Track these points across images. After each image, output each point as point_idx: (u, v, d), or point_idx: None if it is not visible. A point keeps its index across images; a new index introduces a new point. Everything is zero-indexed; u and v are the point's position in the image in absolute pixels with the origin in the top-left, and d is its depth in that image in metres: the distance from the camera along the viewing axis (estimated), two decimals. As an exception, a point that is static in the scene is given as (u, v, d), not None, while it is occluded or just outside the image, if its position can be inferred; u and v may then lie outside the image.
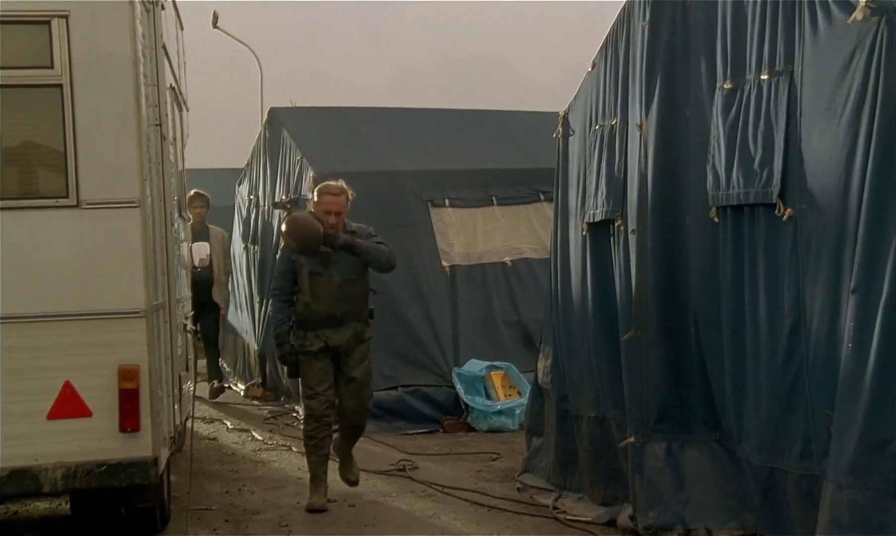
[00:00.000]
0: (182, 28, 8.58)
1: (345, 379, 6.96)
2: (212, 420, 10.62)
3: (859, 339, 4.02)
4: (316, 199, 7.00)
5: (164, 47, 6.30)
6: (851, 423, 4.01)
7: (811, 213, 4.56)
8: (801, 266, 4.64)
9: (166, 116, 6.26)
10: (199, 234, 11.18)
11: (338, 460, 7.15)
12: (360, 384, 7.00)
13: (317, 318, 6.84)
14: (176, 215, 6.91)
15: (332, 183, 7.06)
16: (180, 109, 7.89)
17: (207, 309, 11.64)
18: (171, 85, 6.93)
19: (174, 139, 7.04)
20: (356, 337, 6.94)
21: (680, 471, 5.62)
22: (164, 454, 5.67)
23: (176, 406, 6.17)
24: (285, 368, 7.43)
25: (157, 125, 5.82)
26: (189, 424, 7.19)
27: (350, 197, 7.00)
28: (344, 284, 6.91)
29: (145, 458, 5.32)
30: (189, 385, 7.54)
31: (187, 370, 7.36)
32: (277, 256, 7.18)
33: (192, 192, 11.78)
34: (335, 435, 7.10)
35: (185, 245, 7.92)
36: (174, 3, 7.90)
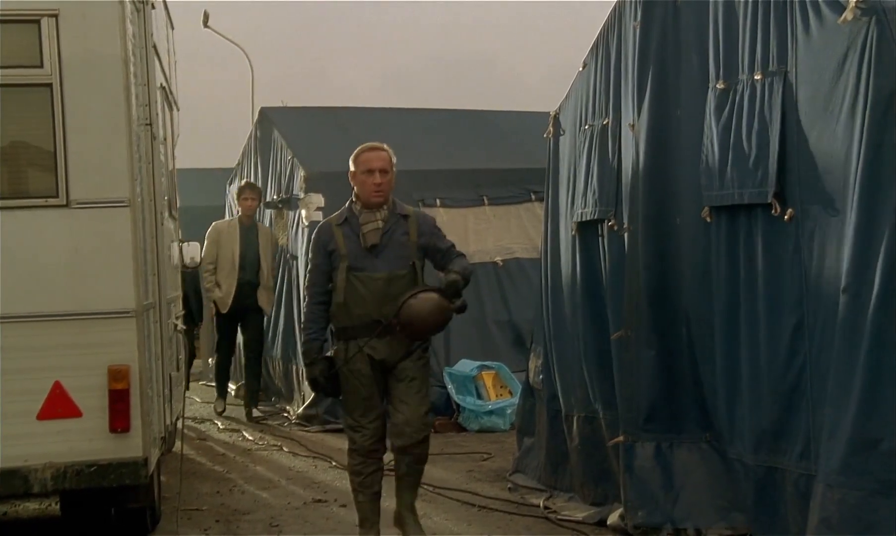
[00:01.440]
0: (172, 27, 8.55)
1: (396, 379, 5.56)
2: (203, 420, 10.61)
3: (850, 338, 4.03)
4: (353, 168, 5.67)
5: (154, 47, 6.28)
6: (842, 422, 4.02)
7: (813, 213, 4.57)
8: (804, 266, 4.64)
9: (156, 115, 6.24)
10: (248, 230, 10.59)
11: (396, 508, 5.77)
12: (418, 384, 5.58)
13: (357, 324, 5.50)
14: (166, 214, 6.89)
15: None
16: (171, 109, 7.86)
17: (250, 317, 10.62)
18: (161, 84, 6.91)
19: (164, 139, 7.01)
20: (409, 352, 5.56)
21: (670, 471, 5.62)
22: (155, 455, 5.65)
23: (166, 406, 6.15)
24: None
25: (147, 125, 5.80)
26: (180, 424, 7.19)
27: (394, 160, 5.73)
28: (391, 280, 5.51)
29: (136, 458, 5.29)
30: (180, 385, 7.52)
31: (178, 369, 7.33)
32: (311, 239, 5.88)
33: (242, 182, 11.27)
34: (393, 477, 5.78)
35: (175, 245, 7.91)
36: (164, 2, 7.88)
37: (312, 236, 5.82)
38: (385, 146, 5.73)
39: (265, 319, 10.94)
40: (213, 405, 10.96)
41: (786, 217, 4.69)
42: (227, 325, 10.83)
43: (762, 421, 4.94)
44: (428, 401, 5.66)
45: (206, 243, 10.50)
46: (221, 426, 10.23)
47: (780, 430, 4.82)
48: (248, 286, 10.46)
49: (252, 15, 46.35)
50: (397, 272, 5.50)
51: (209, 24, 22.98)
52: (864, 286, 3.98)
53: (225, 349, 11.07)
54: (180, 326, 7.56)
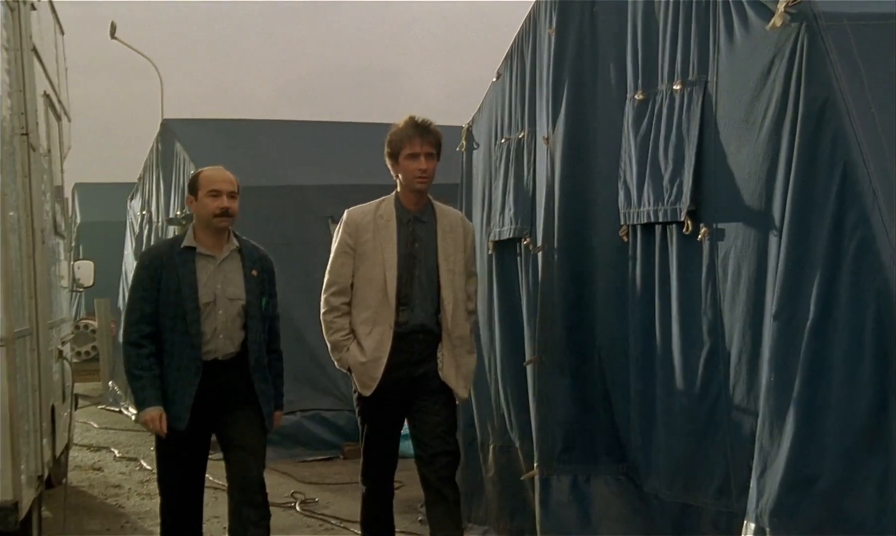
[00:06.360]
0: (62, 32, 8.07)
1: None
2: (98, 448, 10.07)
3: (781, 368, 3.73)
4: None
5: (34, 50, 5.81)
6: (774, 459, 3.71)
7: (729, 232, 4.28)
8: (719, 289, 4.35)
9: (37, 125, 5.77)
10: None
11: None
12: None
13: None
14: (51, 232, 6.40)
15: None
16: (58, 119, 7.38)
17: None
18: (45, 92, 6.43)
19: (48, 151, 6.53)
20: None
21: (586, 505, 5.28)
22: (29, 496, 5.15)
23: (45, 441, 5.65)
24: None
25: (23, 134, 5.32)
26: (71, 455, 6.67)
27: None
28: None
29: (4, 503, 4.79)
30: (66, 415, 7.00)
31: (64, 399, 6.83)
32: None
33: None
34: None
35: (63, 265, 7.40)
36: (52, 5, 7.39)
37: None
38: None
39: None
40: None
41: (699, 237, 4.41)
42: None
43: (676, 455, 4.64)
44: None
45: None
46: (118, 454, 9.69)
47: (695, 464, 4.53)
48: None
49: (163, 28, 45.58)
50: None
51: (117, 35, 22.47)
52: (797, 313, 3.67)
53: None
54: (66, 352, 7.05)
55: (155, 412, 4.84)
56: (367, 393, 5.08)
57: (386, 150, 5.13)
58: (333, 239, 5.23)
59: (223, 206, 4.93)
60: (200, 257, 4.94)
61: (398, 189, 5.18)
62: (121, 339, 12.60)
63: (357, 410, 5.27)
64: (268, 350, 5.13)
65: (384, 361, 5.03)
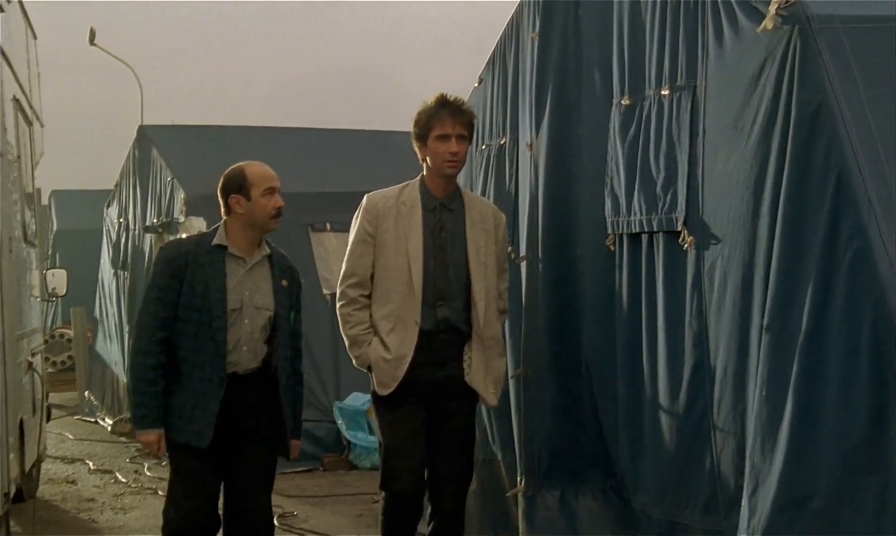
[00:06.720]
0: (35, 36, 7.90)
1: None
2: (73, 461, 9.87)
3: (774, 382, 3.60)
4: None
5: (2, 53, 5.64)
6: (767, 477, 3.58)
7: (715, 241, 4.14)
8: (704, 300, 4.22)
9: (5, 130, 5.60)
10: None
11: None
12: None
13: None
14: (21, 240, 6.23)
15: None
16: (30, 124, 7.21)
17: None
18: (14, 96, 6.27)
19: (18, 157, 6.36)
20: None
21: (574, 520, 5.14)
22: (-5, 514, 4.98)
23: (13, 457, 5.48)
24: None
25: (-11, 140, 5.17)
26: (41, 465, 6.49)
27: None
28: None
29: (-33, 521, 4.63)
30: (36, 429, 6.82)
31: (34, 412, 6.65)
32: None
33: None
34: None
35: (34, 274, 7.23)
36: (23, 8, 7.22)
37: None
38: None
39: None
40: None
41: (685, 246, 4.28)
42: None
43: (664, 470, 4.50)
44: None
45: None
46: (93, 467, 9.50)
47: (682, 480, 4.39)
48: None
49: (143, 33, 45.36)
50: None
51: (96, 41, 22.27)
52: (789, 326, 3.55)
53: None
54: (37, 363, 6.87)
55: (153, 435, 4.43)
56: (385, 393, 4.71)
57: (413, 131, 4.76)
58: (352, 226, 4.85)
59: (280, 205, 4.53)
60: (231, 259, 4.49)
61: (424, 173, 4.81)
62: (94, 348, 12.31)
63: (375, 412, 4.91)
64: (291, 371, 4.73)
65: (408, 360, 4.65)
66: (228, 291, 4.44)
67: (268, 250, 4.62)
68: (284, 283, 4.63)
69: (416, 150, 4.80)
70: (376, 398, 4.82)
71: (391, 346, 4.66)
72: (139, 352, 4.46)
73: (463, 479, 4.88)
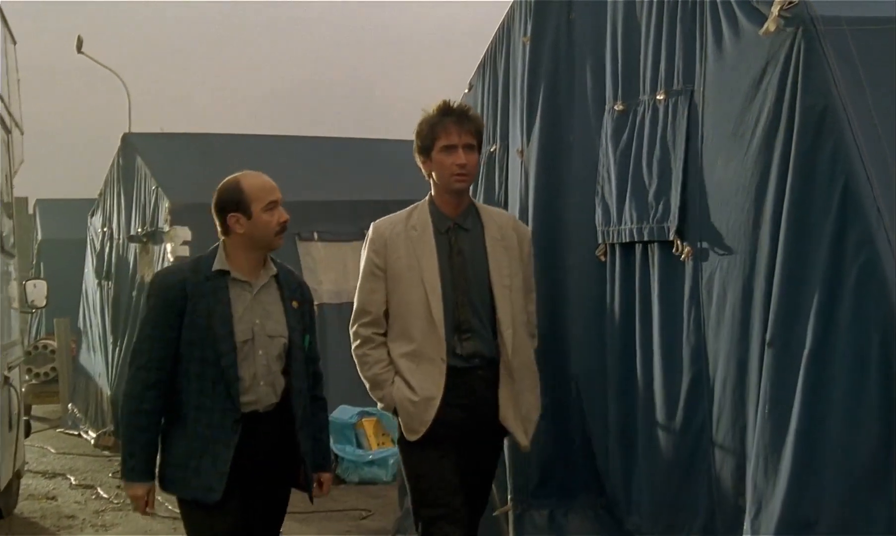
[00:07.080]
0: (14, 42, 7.73)
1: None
2: (54, 475, 9.68)
3: (777, 399, 3.45)
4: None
5: (-24, 58, 5.48)
6: (770, 499, 3.43)
7: (714, 252, 4.00)
8: (703, 313, 4.07)
9: (-22, 136, 5.43)
10: None
11: None
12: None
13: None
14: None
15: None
16: (8, 132, 7.04)
17: None
18: (-10, 103, 6.10)
19: (-6, 164, 6.19)
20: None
21: (565, 541, 5.00)
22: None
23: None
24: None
25: (-39, 147, 4.99)
26: (20, 481, 6.30)
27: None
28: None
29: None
30: (13, 445, 6.64)
31: (10, 428, 6.46)
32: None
33: None
34: None
35: (13, 285, 7.05)
36: (1, 14, 7.06)
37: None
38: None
39: None
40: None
41: (682, 256, 4.13)
42: None
43: (659, 489, 4.35)
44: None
45: None
46: (74, 482, 9.31)
47: (678, 500, 4.23)
48: None
49: (131, 43, 45.25)
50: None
51: (83, 49, 22.20)
52: (794, 340, 3.39)
53: None
54: (14, 377, 6.69)
55: (141, 490, 3.91)
56: (414, 438, 4.22)
57: (415, 143, 4.30)
58: (361, 258, 4.41)
59: (284, 219, 3.98)
60: (235, 284, 3.97)
61: (432, 192, 4.34)
62: (78, 360, 12.12)
63: (401, 455, 4.38)
64: (311, 398, 4.19)
65: (437, 401, 4.18)
66: (235, 321, 3.93)
67: (274, 270, 4.10)
68: (295, 304, 4.11)
69: (420, 165, 4.34)
70: (403, 442, 4.31)
71: (416, 387, 4.22)
72: (132, 397, 3.94)
73: (481, 511, 4.55)
